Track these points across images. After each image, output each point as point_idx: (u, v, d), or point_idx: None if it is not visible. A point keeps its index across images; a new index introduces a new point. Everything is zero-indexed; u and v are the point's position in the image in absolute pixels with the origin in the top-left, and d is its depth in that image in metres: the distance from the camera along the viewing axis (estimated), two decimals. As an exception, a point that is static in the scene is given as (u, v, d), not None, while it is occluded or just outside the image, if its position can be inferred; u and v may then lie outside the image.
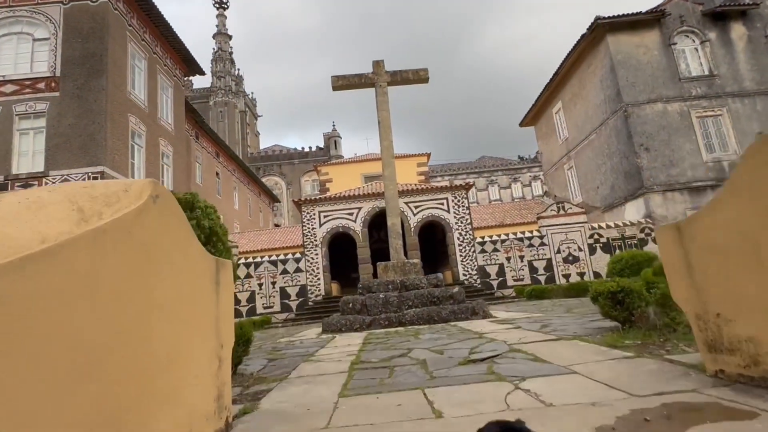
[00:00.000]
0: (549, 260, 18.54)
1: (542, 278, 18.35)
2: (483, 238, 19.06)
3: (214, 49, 72.90)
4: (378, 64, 10.31)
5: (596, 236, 18.67)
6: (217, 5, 72.68)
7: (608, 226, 18.80)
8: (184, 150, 25.26)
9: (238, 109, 69.62)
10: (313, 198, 20.09)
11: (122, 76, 20.41)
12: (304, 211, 19.67)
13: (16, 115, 19.59)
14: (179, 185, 23.49)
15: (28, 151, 19.27)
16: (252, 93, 79.69)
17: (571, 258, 18.52)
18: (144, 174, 21.19)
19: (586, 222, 18.87)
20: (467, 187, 19.83)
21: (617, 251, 18.35)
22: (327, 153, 66.91)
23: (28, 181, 18.90)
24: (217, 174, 32.14)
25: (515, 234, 18.99)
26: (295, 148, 68.47)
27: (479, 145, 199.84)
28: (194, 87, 71.37)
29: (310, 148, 68.21)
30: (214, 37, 73.68)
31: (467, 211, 19.46)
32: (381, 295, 9.67)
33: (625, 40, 20.61)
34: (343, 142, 72.98)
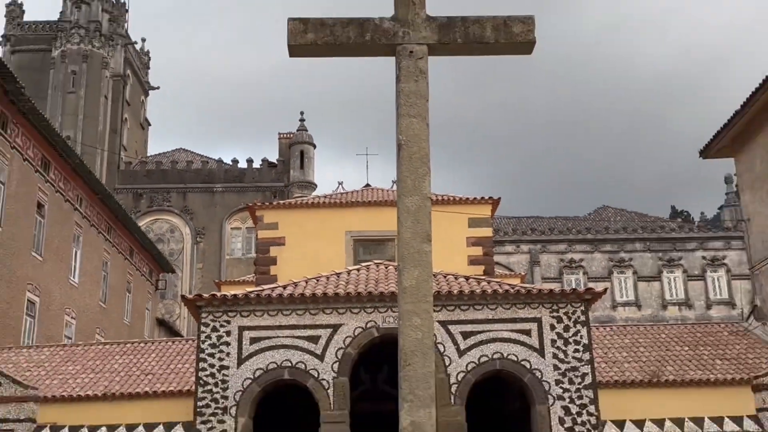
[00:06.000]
0: (782, 495, 14.88)
1: None
2: (622, 427, 15.58)
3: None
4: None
5: None
6: None
7: None
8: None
9: (111, 70, 62.56)
10: (227, 296, 16.68)
11: None
12: (207, 323, 16.27)
13: None
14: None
15: None
16: (143, 42, 72.31)
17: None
18: None
19: None
20: (589, 297, 16.53)
21: None
22: (283, 175, 61.14)
23: None
24: (41, 206, 28.09)
25: (700, 425, 15.48)
26: (220, 160, 62.80)
27: (593, 187, 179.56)
28: (25, 20, 63.34)
29: (251, 162, 62.50)
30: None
31: (586, 355, 15.88)
32: None
33: None
34: (319, 156, 64.75)
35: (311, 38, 7.02)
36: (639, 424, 15.58)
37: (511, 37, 7.14)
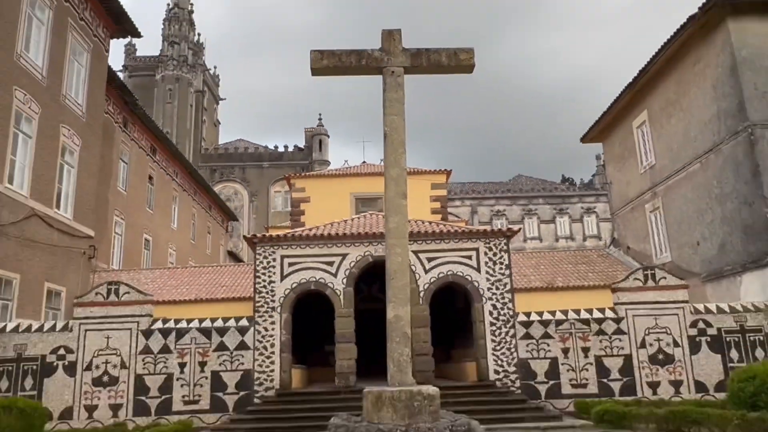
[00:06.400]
0: (628, 358, 15.34)
1: (616, 386, 15.13)
2: (529, 315, 15.84)
3: (168, 5, 68.93)
4: (391, 37, 7.71)
5: (702, 325, 15.37)
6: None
7: (720, 311, 15.49)
8: (101, 143, 22.17)
9: (194, 87, 66.43)
10: (273, 234, 17.03)
11: (9, 31, 16.68)
12: (260, 254, 16.56)
13: None
14: (87, 195, 20.36)
15: None
16: (215, 68, 76.66)
17: (661, 357, 15.25)
18: (29, 178, 18.04)
19: (686, 302, 15.61)
20: (510, 234, 16.85)
21: (733, 351, 15.16)
22: (308, 156, 63.85)
23: None
24: (151, 178, 29.40)
25: (578, 313, 15.74)
26: (266, 146, 65.71)
27: (512, 162, 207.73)
28: (137, 54, 68.73)
29: (286, 147, 65.30)
30: (169, -12, 70.85)
31: (507, 271, 16.46)
32: (368, 464, 6.61)
33: (756, 29, 16.89)
34: (331, 143, 70.41)
35: (326, 63, 7.48)
36: (539, 313, 16.04)
37: (459, 62, 7.55)
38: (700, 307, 15.92)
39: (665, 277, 16.10)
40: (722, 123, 17.72)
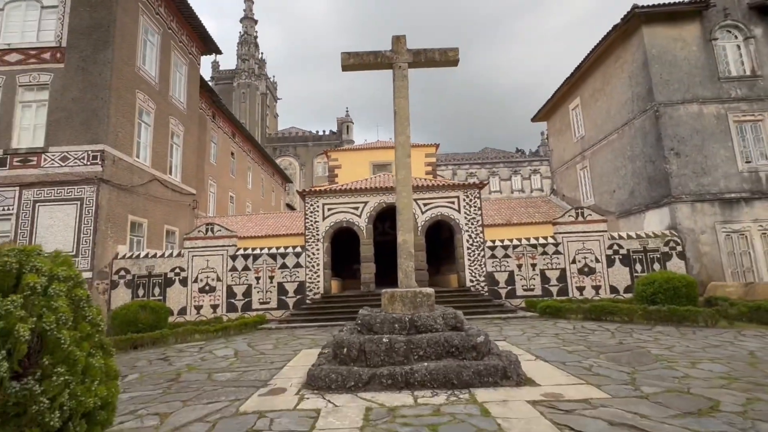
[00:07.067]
0: (563, 270, 15.50)
1: (554, 289, 15.36)
2: (494, 242, 16.01)
3: (240, 32, 68.70)
4: (399, 41, 7.41)
5: (615, 247, 15.50)
6: (246, -10, 69.21)
7: (629, 237, 15.58)
8: (197, 129, 22.25)
9: (260, 91, 65.70)
10: (317, 189, 17.08)
11: (131, 50, 17.20)
12: (308, 202, 16.69)
13: (20, 86, 16.56)
14: (189, 166, 20.64)
15: (30, 125, 16.41)
16: (273, 76, 75.57)
17: (587, 269, 15.44)
18: (150, 154, 18.68)
19: (605, 231, 15.70)
20: (480, 186, 16.75)
21: (637, 265, 15.37)
22: (339, 137, 63.43)
23: (28, 156, 16.31)
24: (232, 154, 29.37)
25: (528, 240, 15.94)
26: (310, 131, 65.55)
27: (482, 137, 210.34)
28: (220, 68, 68.16)
29: (324, 131, 65.04)
30: (240, 21, 69.48)
31: (479, 212, 16.43)
32: (384, 339, 6.75)
33: (662, 32, 16.60)
34: (355, 128, 71.75)
35: (352, 62, 7.30)
36: (501, 241, 15.96)
37: (448, 58, 7.28)
38: (615, 234, 15.97)
39: (590, 214, 16.10)
40: (635, 104, 17.44)
